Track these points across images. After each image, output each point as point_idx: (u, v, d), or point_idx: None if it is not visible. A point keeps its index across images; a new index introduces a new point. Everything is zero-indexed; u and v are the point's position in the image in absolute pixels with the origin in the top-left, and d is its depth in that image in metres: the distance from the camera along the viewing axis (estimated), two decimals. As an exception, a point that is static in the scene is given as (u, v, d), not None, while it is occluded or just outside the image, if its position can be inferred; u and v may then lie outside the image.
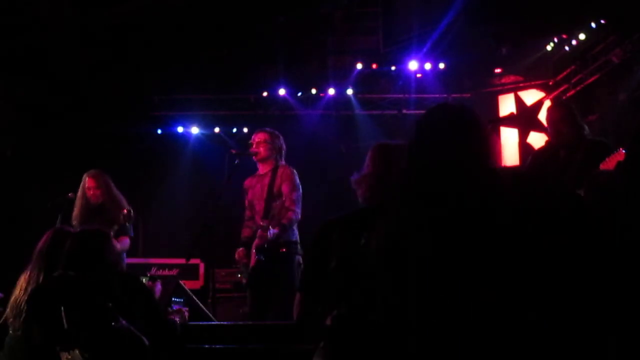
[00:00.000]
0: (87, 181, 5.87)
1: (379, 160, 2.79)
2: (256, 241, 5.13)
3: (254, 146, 5.40)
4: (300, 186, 5.30)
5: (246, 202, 5.52)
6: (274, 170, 5.31)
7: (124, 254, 5.94)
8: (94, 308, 3.11)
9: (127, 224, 5.62)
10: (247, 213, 5.53)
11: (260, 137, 5.42)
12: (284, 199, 5.21)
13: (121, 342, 3.07)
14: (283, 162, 5.41)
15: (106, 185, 5.83)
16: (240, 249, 5.36)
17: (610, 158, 4.06)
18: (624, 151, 3.98)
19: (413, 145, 2.19)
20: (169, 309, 4.16)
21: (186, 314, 4.10)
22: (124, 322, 3.09)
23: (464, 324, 1.97)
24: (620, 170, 3.55)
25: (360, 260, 2.42)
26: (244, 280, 5.37)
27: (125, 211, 5.58)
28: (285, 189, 5.21)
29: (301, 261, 5.13)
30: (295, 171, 5.34)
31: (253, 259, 5.17)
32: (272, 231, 4.96)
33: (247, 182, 5.54)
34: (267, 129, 5.54)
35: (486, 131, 2.22)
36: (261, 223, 5.02)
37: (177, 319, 3.76)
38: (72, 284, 3.21)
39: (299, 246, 5.26)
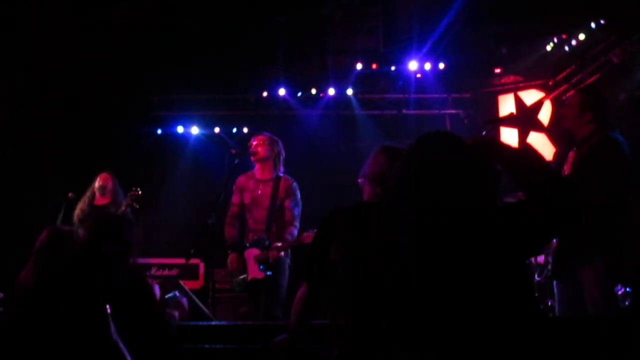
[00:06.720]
0: (103, 178, 6.17)
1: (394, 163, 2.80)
2: (255, 252, 5.26)
3: (253, 147, 5.45)
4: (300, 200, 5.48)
5: (236, 199, 5.54)
6: (276, 181, 5.38)
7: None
8: (93, 310, 3.09)
9: (134, 204, 5.96)
10: (234, 210, 5.55)
11: (260, 138, 5.49)
12: (286, 213, 5.36)
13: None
14: (283, 172, 5.48)
15: (117, 186, 6.13)
16: (233, 255, 5.39)
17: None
18: None
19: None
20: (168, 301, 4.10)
21: (185, 304, 4.02)
22: (115, 335, 3.02)
23: (467, 322, 1.98)
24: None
25: (362, 260, 2.42)
26: (237, 289, 5.47)
27: (133, 192, 5.83)
28: (288, 204, 5.37)
29: (290, 264, 5.36)
30: (296, 185, 5.47)
31: (251, 268, 5.27)
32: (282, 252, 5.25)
33: (242, 182, 5.56)
34: (266, 133, 5.60)
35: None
36: (278, 244, 5.23)
37: (176, 314, 3.70)
38: (73, 282, 3.18)
39: (289, 251, 5.41)
